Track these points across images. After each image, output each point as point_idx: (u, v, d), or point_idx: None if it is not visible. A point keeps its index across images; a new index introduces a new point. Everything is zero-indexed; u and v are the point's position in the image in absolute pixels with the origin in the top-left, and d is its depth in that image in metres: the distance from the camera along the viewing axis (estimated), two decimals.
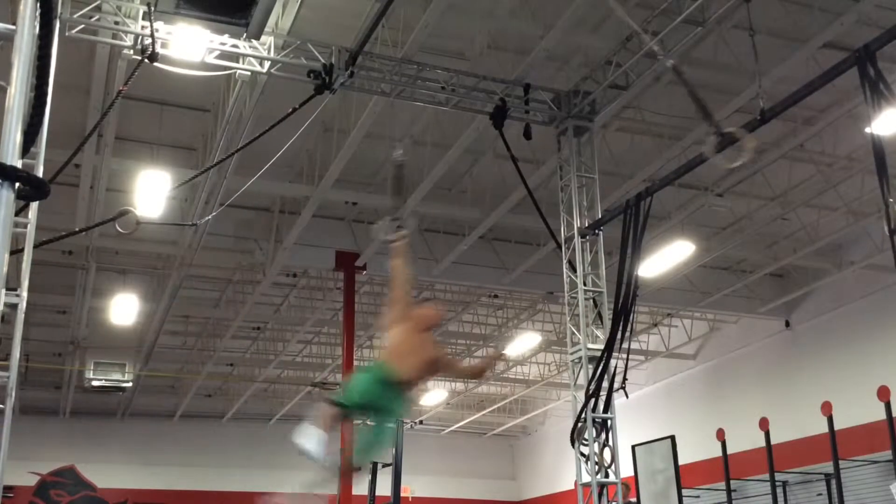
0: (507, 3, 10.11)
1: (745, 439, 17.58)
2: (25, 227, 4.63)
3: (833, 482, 15.59)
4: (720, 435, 17.48)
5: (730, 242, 15.66)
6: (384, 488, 18.38)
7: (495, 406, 25.96)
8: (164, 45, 9.40)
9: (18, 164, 3.81)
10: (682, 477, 14.80)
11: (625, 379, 10.42)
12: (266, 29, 9.45)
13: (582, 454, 10.38)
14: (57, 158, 8.00)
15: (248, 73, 10.04)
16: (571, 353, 10.90)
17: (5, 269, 3.75)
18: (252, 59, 9.96)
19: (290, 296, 18.35)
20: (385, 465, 18.53)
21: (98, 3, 9.19)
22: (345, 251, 15.51)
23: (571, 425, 10.49)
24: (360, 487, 15.87)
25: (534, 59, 10.57)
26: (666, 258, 14.97)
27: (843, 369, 16.86)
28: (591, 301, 10.98)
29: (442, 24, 9.85)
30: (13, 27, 4.03)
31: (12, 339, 4.57)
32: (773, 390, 18.64)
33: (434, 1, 9.30)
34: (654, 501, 14.32)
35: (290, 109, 9.94)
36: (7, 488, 4.82)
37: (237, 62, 9.97)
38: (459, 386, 24.63)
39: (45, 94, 4.01)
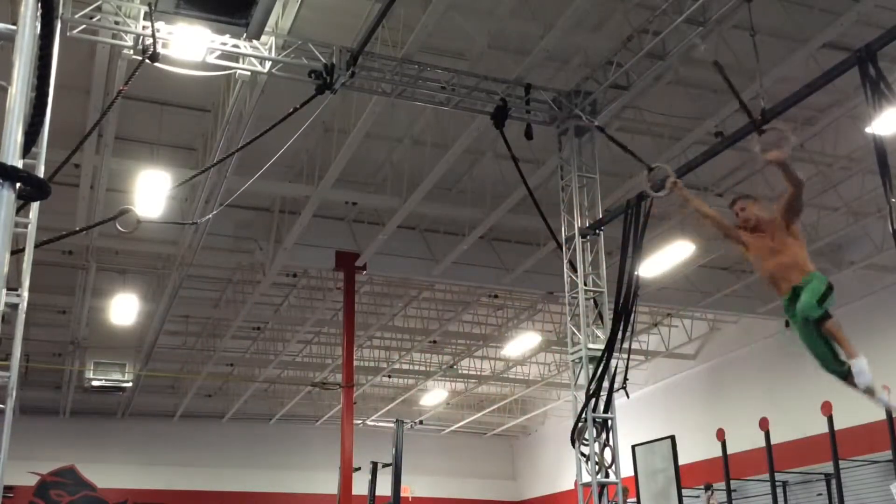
0: (507, 3, 10.10)
1: (745, 439, 17.57)
2: (26, 227, 4.62)
3: (833, 482, 15.60)
4: (720, 435, 17.48)
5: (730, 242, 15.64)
6: (384, 488, 18.40)
7: (495, 406, 25.96)
8: (164, 45, 9.39)
9: (19, 164, 3.81)
10: (682, 477, 14.82)
11: (625, 379, 10.41)
12: (266, 29, 9.44)
13: (582, 454, 10.37)
14: (57, 158, 7.98)
15: (249, 73, 10.04)
16: (572, 353, 10.90)
17: (6, 269, 3.75)
18: (252, 59, 9.95)
19: (290, 296, 18.35)
20: (385, 466, 18.56)
21: (99, 3, 9.18)
22: (345, 251, 15.50)
23: (571, 425, 10.49)
24: (361, 487, 15.87)
25: (534, 59, 10.56)
26: (666, 258, 14.98)
27: None
28: (592, 301, 10.97)
29: (442, 24, 9.85)
30: (14, 27, 4.02)
31: (13, 339, 4.56)
32: (773, 390, 18.63)
33: (434, 1, 9.30)
34: (654, 501, 14.32)
35: (291, 109, 9.93)
36: (7, 488, 4.81)
37: (237, 62, 9.96)
38: (459, 386, 24.65)
39: (46, 95, 4.00)
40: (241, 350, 21.74)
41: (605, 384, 10.29)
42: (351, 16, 10.15)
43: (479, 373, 23.56)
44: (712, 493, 17.30)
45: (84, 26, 9.20)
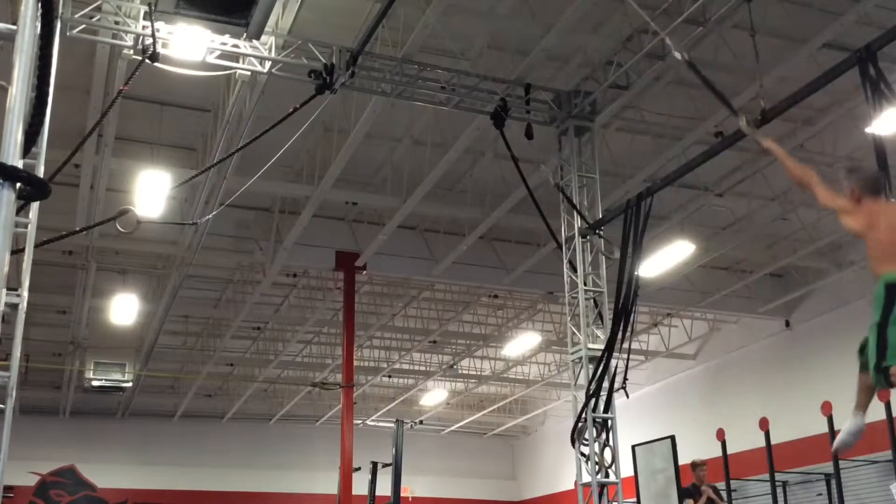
0: (507, 3, 10.10)
1: (745, 439, 17.57)
2: (26, 227, 4.62)
3: (833, 482, 15.60)
4: (720, 435, 17.47)
5: (730, 242, 15.66)
6: (384, 488, 18.40)
7: (495, 406, 25.96)
8: (164, 45, 9.39)
9: (19, 164, 3.81)
10: (682, 477, 14.78)
11: (625, 379, 10.42)
12: (266, 29, 9.44)
13: (582, 454, 10.38)
14: (57, 158, 7.99)
15: (249, 73, 10.04)
16: (572, 353, 10.90)
17: (6, 269, 3.75)
18: (252, 59, 9.95)
19: (290, 296, 18.34)
20: (385, 465, 18.56)
21: (98, 3, 9.19)
22: (345, 251, 15.50)
23: (571, 425, 10.50)
24: (361, 487, 15.87)
25: (534, 59, 10.56)
26: (666, 258, 14.98)
27: (843, 369, 16.69)
28: (592, 301, 10.98)
29: (442, 24, 9.85)
30: (14, 27, 4.03)
31: (12, 339, 4.56)
32: (773, 390, 18.63)
33: (434, 1, 9.30)
34: (654, 501, 14.30)
35: (291, 109, 9.93)
36: (7, 488, 4.81)
37: (237, 62, 9.96)
38: (459, 386, 24.64)
39: (46, 94, 4.01)
40: (241, 350, 21.73)
41: (605, 384, 10.29)
42: (351, 16, 10.16)
43: (479, 373, 23.56)
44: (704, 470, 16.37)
45: (84, 26, 9.20)
